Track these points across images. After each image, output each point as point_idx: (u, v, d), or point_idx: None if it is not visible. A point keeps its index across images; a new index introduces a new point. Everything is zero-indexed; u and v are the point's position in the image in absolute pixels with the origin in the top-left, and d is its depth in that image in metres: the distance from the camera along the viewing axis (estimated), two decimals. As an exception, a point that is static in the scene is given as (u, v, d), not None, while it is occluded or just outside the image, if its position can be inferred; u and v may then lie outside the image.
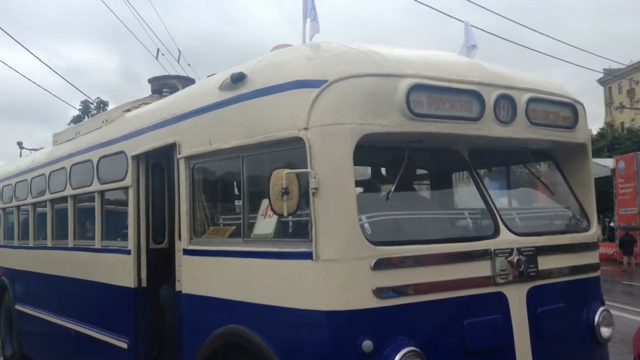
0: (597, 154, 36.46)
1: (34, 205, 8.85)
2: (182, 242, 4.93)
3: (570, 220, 5.21)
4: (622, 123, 68.03)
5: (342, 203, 3.75)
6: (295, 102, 3.91)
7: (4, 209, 10.48)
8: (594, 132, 53.96)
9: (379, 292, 3.72)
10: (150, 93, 7.63)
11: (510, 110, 4.47)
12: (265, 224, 4.30)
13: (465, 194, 5.24)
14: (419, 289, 3.87)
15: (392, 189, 4.22)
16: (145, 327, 5.71)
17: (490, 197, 4.48)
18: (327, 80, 3.84)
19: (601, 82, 78.30)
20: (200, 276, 4.78)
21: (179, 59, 18.98)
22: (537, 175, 5.44)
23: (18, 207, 9.67)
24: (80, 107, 46.33)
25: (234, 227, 4.64)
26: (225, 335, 4.37)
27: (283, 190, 3.74)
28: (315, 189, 3.72)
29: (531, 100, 4.59)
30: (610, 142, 47.10)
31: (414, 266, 3.88)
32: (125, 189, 5.93)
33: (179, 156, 4.98)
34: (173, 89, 6.93)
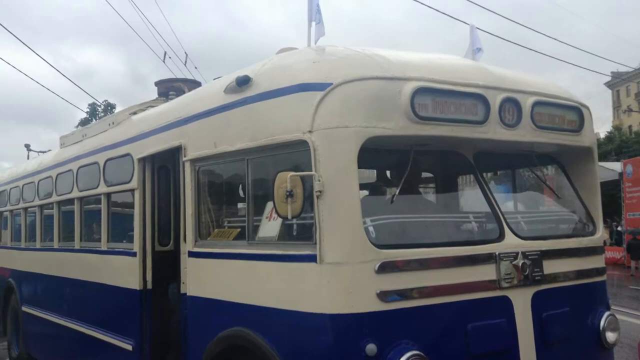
0: (605, 157, 36.39)
1: (41, 207, 8.89)
2: (187, 245, 4.94)
3: (576, 224, 5.19)
4: (630, 126, 67.73)
5: (347, 206, 3.75)
6: (300, 105, 3.92)
7: (11, 211, 10.53)
8: (602, 135, 53.81)
9: (383, 296, 3.72)
10: (156, 96, 7.67)
11: (516, 114, 4.46)
12: (270, 226, 4.31)
13: (470, 198, 5.23)
14: (423, 292, 3.87)
15: (397, 192, 4.22)
16: (150, 329, 5.72)
17: (495, 200, 4.47)
18: (331, 84, 3.84)
19: (609, 85, 78.05)
20: (205, 278, 4.79)
21: (185, 62, 19.04)
22: (543, 178, 5.42)
23: (25, 209, 9.71)
24: (88, 110, 46.50)
25: (238, 230, 4.65)
26: (230, 337, 4.38)
27: (287, 193, 3.74)
28: (320, 191, 3.72)
29: (536, 104, 4.58)
30: (618, 145, 46.92)
31: (418, 269, 3.88)
32: (131, 191, 5.95)
33: (184, 159, 4.99)
34: (179, 92, 6.97)
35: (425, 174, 5.66)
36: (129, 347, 5.84)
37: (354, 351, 3.63)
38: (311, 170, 3.76)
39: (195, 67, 39.15)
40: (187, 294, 4.95)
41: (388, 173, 5.36)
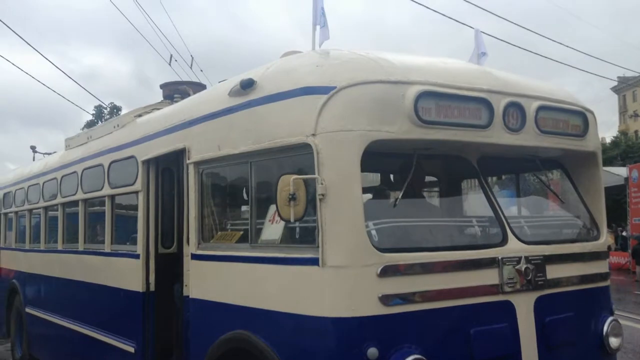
0: (611, 162, 36.26)
1: (46, 209, 8.92)
2: (190, 247, 4.95)
3: (580, 229, 5.17)
4: (636, 131, 67.57)
5: (349, 209, 3.75)
6: (304, 108, 3.92)
7: (16, 212, 10.56)
8: (608, 140, 53.64)
9: (385, 299, 3.72)
10: (162, 98, 7.69)
11: (520, 118, 4.45)
12: (273, 229, 4.31)
13: (473, 202, 5.22)
14: (425, 296, 3.86)
15: (400, 196, 4.22)
16: (153, 332, 5.73)
17: (498, 205, 4.46)
18: (335, 87, 3.85)
19: (615, 90, 77.84)
20: (208, 281, 4.79)
21: (191, 64, 19.09)
22: (547, 183, 5.41)
23: (30, 210, 9.74)
24: (94, 112, 46.73)
25: (241, 233, 4.65)
26: (232, 340, 4.38)
27: (290, 196, 3.75)
28: (323, 195, 3.72)
29: (541, 108, 4.57)
30: (624, 150, 46.75)
31: (420, 273, 3.87)
32: (135, 193, 5.96)
33: (188, 161, 5.00)
34: (184, 95, 6.98)
35: (428, 178, 5.65)
36: (131, 350, 5.85)
37: (356, 355, 3.62)
38: (314, 174, 3.76)
39: (201, 70, 39.11)
40: (190, 297, 4.95)
41: (392, 177, 5.36)
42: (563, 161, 5.18)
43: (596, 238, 5.02)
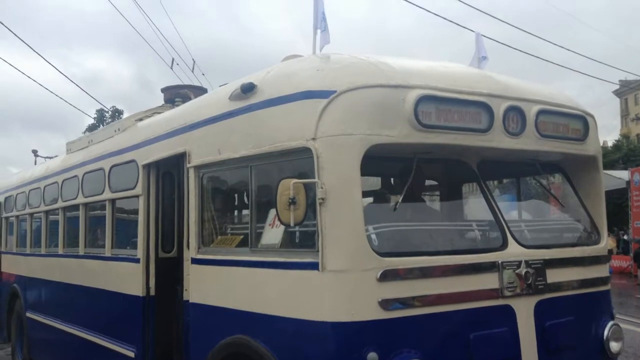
0: (612, 165, 36.17)
1: (47, 213, 8.92)
2: (190, 251, 4.95)
3: (580, 233, 5.17)
4: (637, 135, 67.50)
5: (349, 213, 3.75)
6: (304, 112, 3.92)
7: (17, 216, 10.56)
8: (610, 143, 53.57)
9: (385, 304, 3.71)
10: (163, 102, 7.69)
11: (520, 122, 4.45)
12: (273, 233, 4.31)
13: (473, 206, 5.21)
14: (425, 300, 3.86)
15: (400, 200, 4.21)
16: (153, 336, 5.72)
17: (498, 208, 4.46)
18: (335, 91, 3.85)
19: (617, 93, 77.80)
20: (207, 285, 4.79)
21: (193, 68, 19.04)
22: (547, 187, 5.40)
23: (31, 214, 9.75)
24: (96, 116, 46.73)
25: (241, 237, 4.65)
26: (231, 345, 4.37)
27: (290, 200, 3.74)
28: (322, 199, 3.72)
29: (541, 112, 4.57)
30: (626, 154, 46.70)
31: (420, 278, 3.87)
32: (136, 197, 5.96)
33: (188, 165, 5.00)
34: (185, 99, 6.98)
35: (428, 182, 5.65)
36: (131, 354, 5.84)
37: (356, 359, 3.61)
38: (314, 178, 3.76)
39: (203, 74, 39.03)
40: (190, 301, 4.95)
41: (392, 181, 5.36)
42: (563, 165, 5.18)
43: (596, 242, 5.02)
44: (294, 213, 3.76)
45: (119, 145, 6.62)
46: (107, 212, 6.66)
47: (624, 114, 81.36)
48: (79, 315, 7.37)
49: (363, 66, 4.05)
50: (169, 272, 5.67)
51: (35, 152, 37.98)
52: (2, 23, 13.24)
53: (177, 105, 6.62)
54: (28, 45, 20.33)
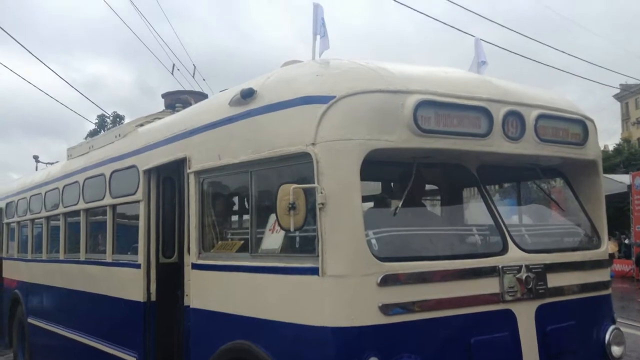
0: (613, 169, 36.11)
1: (48, 218, 8.93)
2: (191, 257, 4.95)
3: (581, 237, 5.17)
4: (638, 139, 67.44)
5: (349, 218, 3.75)
6: (303, 117, 3.93)
7: (18, 222, 10.58)
8: (611, 147, 53.53)
9: (385, 309, 3.71)
10: (163, 108, 7.71)
11: (519, 127, 4.46)
12: (273, 239, 4.31)
13: (473, 210, 5.22)
14: (425, 305, 3.85)
15: (400, 205, 4.22)
16: (154, 341, 5.72)
17: (499, 213, 4.46)
18: (335, 96, 3.86)
19: (618, 97, 77.69)
20: (208, 291, 4.79)
21: (194, 74, 19.09)
22: (547, 191, 5.40)
23: (32, 220, 9.76)
24: (97, 122, 46.80)
25: (242, 242, 4.65)
26: (232, 350, 4.37)
27: (290, 205, 3.75)
28: (322, 204, 3.73)
29: (540, 117, 4.57)
30: (627, 158, 46.63)
31: (420, 283, 3.86)
32: (137, 202, 5.97)
33: (189, 171, 5.01)
34: (186, 104, 6.99)
35: (428, 187, 5.65)
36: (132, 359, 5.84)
37: None
38: (314, 183, 3.76)
39: (204, 79, 39.13)
40: (190, 306, 4.95)
41: (391, 185, 5.35)
42: (563, 169, 5.18)
43: (597, 246, 5.01)
44: (294, 218, 3.76)
45: (119, 150, 6.63)
46: (108, 218, 6.66)
47: (625, 118, 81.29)
48: (80, 321, 7.37)
49: (362, 71, 4.05)
50: (169, 278, 5.68)
51: (36, 157, 37.91)
52: (2, 29, 13.24)
53: (178, 111, 6.64)
54: (29, 51, 20.33)
